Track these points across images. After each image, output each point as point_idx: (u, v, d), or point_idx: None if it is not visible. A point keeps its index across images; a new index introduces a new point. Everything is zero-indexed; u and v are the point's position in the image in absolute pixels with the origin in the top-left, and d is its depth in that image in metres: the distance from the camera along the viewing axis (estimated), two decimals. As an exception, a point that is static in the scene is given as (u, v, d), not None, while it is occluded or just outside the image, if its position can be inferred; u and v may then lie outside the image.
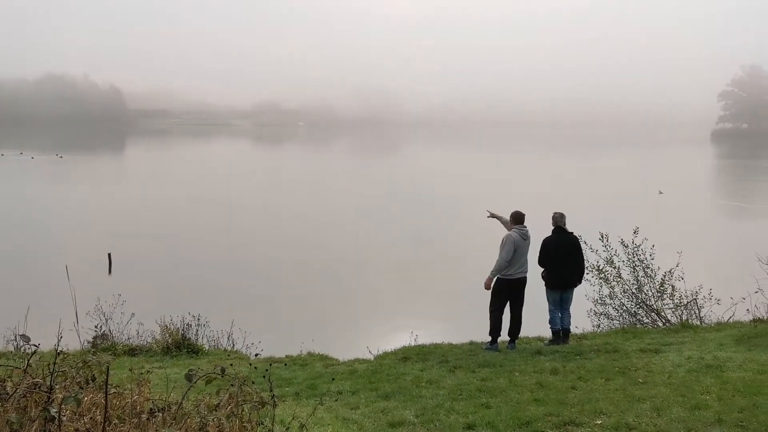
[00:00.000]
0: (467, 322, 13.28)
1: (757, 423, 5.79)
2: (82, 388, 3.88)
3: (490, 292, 9.98)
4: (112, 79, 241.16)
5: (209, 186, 54.81)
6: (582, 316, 12.30)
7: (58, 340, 5.65)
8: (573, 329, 10.78)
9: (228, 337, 11.98)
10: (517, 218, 9.96)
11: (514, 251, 9.72)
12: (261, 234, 32.94)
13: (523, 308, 10.14)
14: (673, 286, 12.53)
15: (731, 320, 11.63)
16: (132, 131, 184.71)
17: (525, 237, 9.85)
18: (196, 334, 11.35)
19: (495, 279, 9.89)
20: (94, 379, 4.13)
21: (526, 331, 10.47)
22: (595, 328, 12.46)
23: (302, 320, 17.49)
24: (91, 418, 3.65)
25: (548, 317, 10.37)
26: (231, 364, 4.03)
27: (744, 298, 11.62)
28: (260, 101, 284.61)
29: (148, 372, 6.85)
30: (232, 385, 4.00)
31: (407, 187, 54.96)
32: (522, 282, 9.92)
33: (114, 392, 4.04)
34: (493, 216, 10.77)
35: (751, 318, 11.29)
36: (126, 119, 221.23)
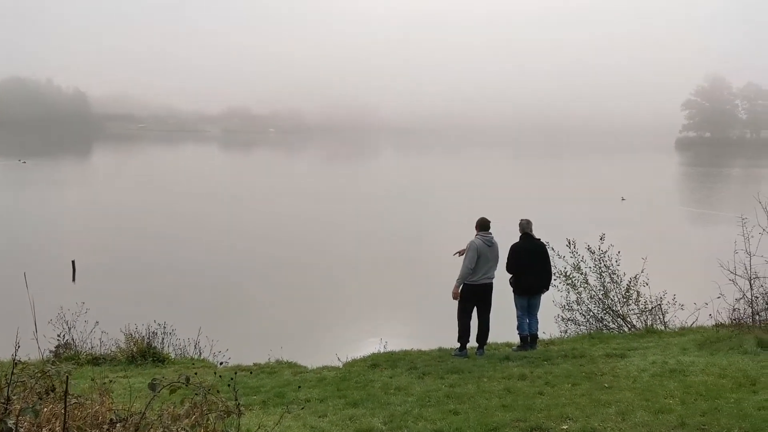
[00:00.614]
0: (436, 329, 13.30)
1: (719, 426, 5.90)
2: (41, 399, 3.79)
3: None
4: (76, 83, 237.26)
5: (176, 192, 54.19)
6: (550, 322, 12.42)
7: (16, 350, 5.50)
8: (541, 335, 10.86)
9: (195, 346, 11.81)
10: (482, 225, 10.02)
11: (477, 258, 9.77)
12: (229, 241, 32.63)
13: (492, 314, 10.18)
14: (638, 292, 12.74)
15: (694, 325, 11.85)
16: (97, 136, 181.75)
17: (489, 244, 9.88)
18: (162, 343, 11.16)
19: (464, 286, 9.92)
20: (53, 390, 4.03)
21: (494, 336, 10.52)
22: (563, 334, 12.57)
23: (271, 328, 17.37)
24: (50, 430, 3.56)
25: (516, 323, 10.45)
26: (195, 373, 3.97)
27: (707, 304, 11.83)
28: (229, 107, 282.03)
29: (112, 382, 6.70)
30: (196, 394, 3.94)
31: (377, 194, 55.01)
32: (487, 288, 9.94)
33: (75, 403, 3.95)
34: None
35: (713, 323, 11.50)
36: (91, 124, 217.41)
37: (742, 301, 10.85)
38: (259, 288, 23.31)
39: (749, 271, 10.71)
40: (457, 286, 9.92)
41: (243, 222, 38.94)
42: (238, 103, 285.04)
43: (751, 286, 10.71)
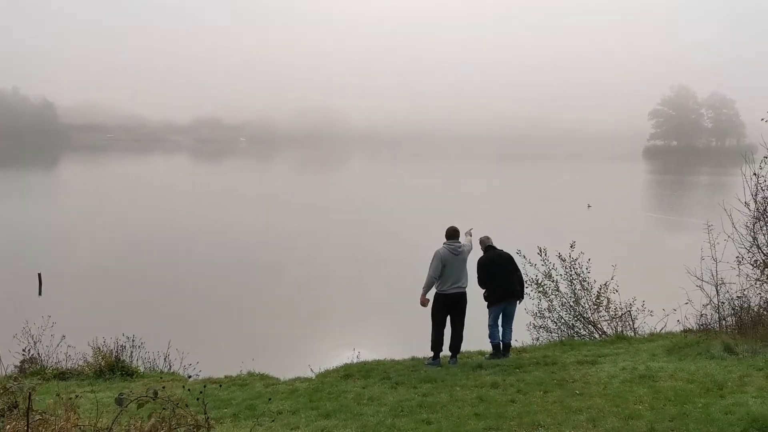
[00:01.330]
0: (410, 338, 13.30)
1: (687, 431, 5.97)
2: (3, 416, 3.69)
3: (430, 307, 10.03)
4: (43, 93, 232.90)
5: (145, 203, 53.54)
6: (522, 330, 12.49)
7: (-22, 366, 5.36)
8: (513, 343, 10.91)
9: (164, 359, 11.63)
10: (449, 234, 10.06)
11: (443, 266, 9.79)
12: (199, 252, 32.29)
13: (465, 322, 10.19)
14: (608, 299, 12.89)
15: (663, 331, 12.02)
16: (65, 146, 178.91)
17: (455, 252, 9.87)
18: (131, 356, 10.97)
19: (434, 294, 9.94)
20: (16, 406, 3.94)
21: (467, 345, 10.54)
22: (535, 341, 12.66)
23: (243, 340, 17.20)
24: (12, 448, 3.47)
25: (488, 332, 10.47)
26: (163, 387, 3.90)
27: (675, 309, 12.03)
28: (200, 116, 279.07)
29: (78, 397, 6.55)
30: (164, 408, 3.87)
31: (349, 203, 55.01)
32: (458, 297, 9.90)
33: (38, 419, 3.86)
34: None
35: (681, 328, 11.68)
36: (59, 134, 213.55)
37: (709, 306, 11.04)
38: (230, 299, 23.07)
39: (715, 278, 10.90)
40: (422, 294, 9.93)
41: (213, 233, 38.54)
42: (208, 112, 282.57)
43: (717, 292, 10.90)
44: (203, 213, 47.90)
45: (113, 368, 10.29)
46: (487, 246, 10.49)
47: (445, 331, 10.11)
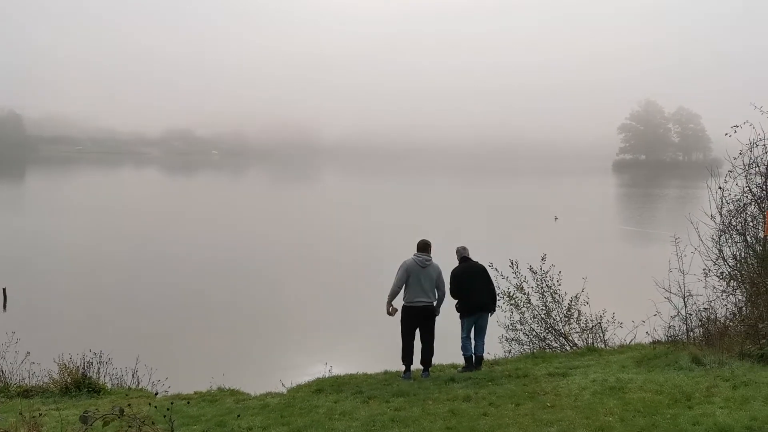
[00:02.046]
0: (382, 351, 13.26)
1: (657, 442, 6.03)
2: (-38, 437, 3.59)
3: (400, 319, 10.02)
4: (10, 104, 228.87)
5: (113, 217, 52.73)
6: (494, 342, 12.52)
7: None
8: (485, 355, 10.93)
9: (133, 375, 11.42)
10: (419, 246, 10.07)
11: (408, 277, 9.79)
12: (169, 265, 31.90)
13: (437, 335, 10.18)
14: (579, 311, 13.01)
15: (633, 342, 12.16)
16: (32, 159, 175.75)
17: (423, 265, 9.84)
18: (98, 373, 10.75)
19: (402, 306, 9.94)
20: (-25, 426, 3.83)
21: (439, 358, 10.54)
22: (507, 354, 12.71)
23: (213, 355, 16.97)
24: (-30, 470, 3.37)
25: (460, 344, 10.49)
26: (128, 405, 3.82)
27: (644, 321, 12.18)
28: (171, 128, 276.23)
29: (42, 415, 6.41)
30: (130, 426, 3.80)
31: (321, 217, 54.91)
32: (424, 310, 9.85)
33: (-1, 439, 3.75)
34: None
35: (650, 340, 11.83)
36: (26, 146, 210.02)
37: (677, 318, 11.20)
38: (200, 313, 22.78)
39: (683, 290, 11.06)
40: (387, 304, 9.93)
41: (183, 246, 38.09)
42: (179, 125, 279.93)
43: (685, 304, 11.06)
44: (173, 226, 47.36)
45: (79, 385, 10.07)
46: (462, 257, 10.52)
47: (417, 344, 10.10)
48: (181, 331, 20.32)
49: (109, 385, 10.69)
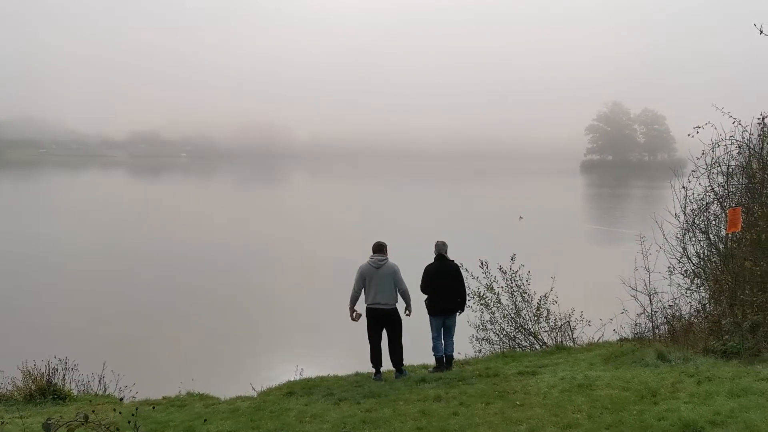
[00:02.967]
0: (353, 353, 13.24)
1: (624, 437, 6.12)
2: None
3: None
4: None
5: (78, 220, 51.83)
6: (465, 342, 12.60)
7: None
8: (456, 355, 10.99)
9: (99, 381, 11.23)
10: (374, 248, 10.12)
11: (364, 280, 9.84)
12: (135, 269, 31.41)
13: (407, 336, 10.20)
14: (548, 310, 13.16)
15: (600, 340, 12.35)
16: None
17: (377, 266, 9.89)
18: (64, 379, 10.55)
19: (365, 309, 9.95)
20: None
21: (410, 358, 10.57)
22: (477, 353, 12.80)
23: (181, 359, 16.77)
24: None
25: (431, 344, 10.53)
26: (94, 411, 3.75)
27: (611, 319, 12.38)
28: (137, 131, 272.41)
29: (5, 423, 6.27)
30: (95, 433, 3.73)
31: (290, 219, 54.61)
32: (384, 312, 9.88)
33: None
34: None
35: (617, 338, 12.02)
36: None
37: (643, 316, 11.39)
38: (168, 317, 22.49)
39: (648, 287, 11.26)
40: (349, 310, 10.00)
41: (149, 250, 37.54)
42: (146, 127, 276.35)
43: (650, 302, 11.26)
44: (138, 230, 46.68)
45: (44, 392, 9.88)
46: (439, 254, 10.54)
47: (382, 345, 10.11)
48: (149, 336, 20.03)
49: (75, 392, 10.49)
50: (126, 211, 60.84)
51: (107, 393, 10.90)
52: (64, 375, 10.67)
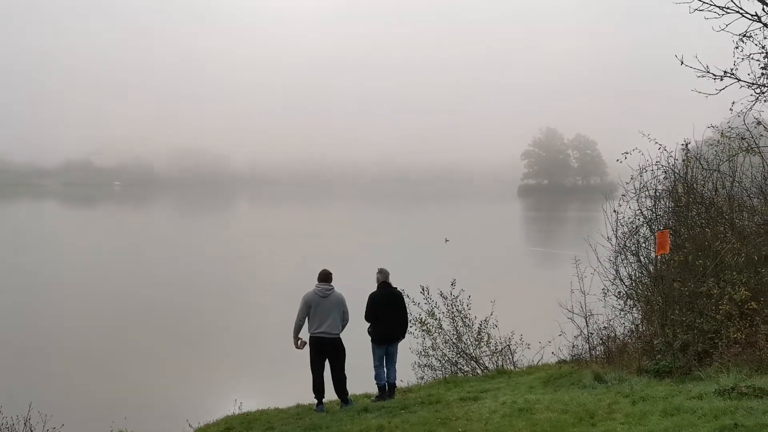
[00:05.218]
0: (294, 384, 13.00)
1: (563, 461, 6.17)
2: None
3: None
4: None
5: (4, 252, 49.51)
6: (407, 369, 12.58)
7: None
8: (399, 383, 10.94)
9: (25, 423, 10.62)
10: (320, 276, 10.06)
11: (309, 308, 9.76)
12: (62, 303, 30.04)
13: (349, 365, 10.09)
14: (489, 334, 13.31)
15: (540, 363, 12.54)
16: None
17: (323, 294, 9.83)
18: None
19: (308, 337, 9.83)
20: None
21: (352, 387, 10.45)
22: (420, 380, 12.79)
23: (114, 396, 16.06)
24: None
25: (374, 373, 10.45)
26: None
27: (549, 342, 12.59)
28: (69, 159, 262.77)
29: None
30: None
31: (226, 247, 53.67)
32: (328, 341, 9.79)
33: None
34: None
35: (556, 360, 12.21)
36: None
37: (580, 337, 11.63)
38: (98, 355, 21.50)
39: (584, 309, 11.50)
40: (293, 338, 9.87)
41: (77, 283, 36.04)
42: (78, 155, 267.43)
43: (587, 323, 11.50)
44: (66, 261, 44.94)
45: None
46: (382, 282, 10.51)
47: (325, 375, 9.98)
48: (79, 373, 19.11)
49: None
50: (56, 241, 58.58)
51: (34, 436, 10.33)
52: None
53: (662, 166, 11.48)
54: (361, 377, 10.95)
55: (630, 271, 11.84)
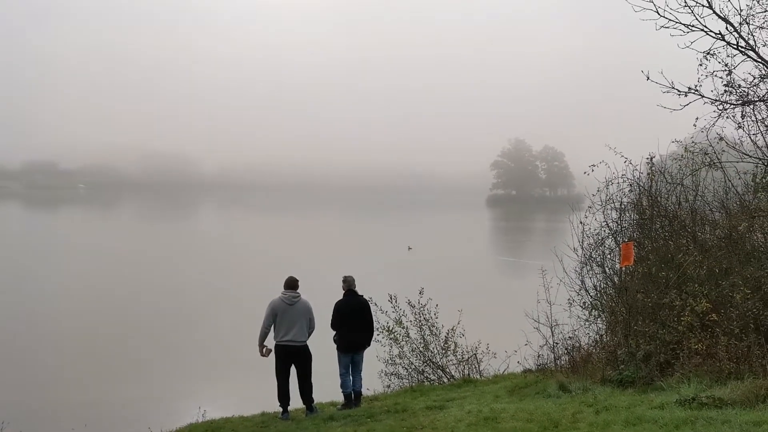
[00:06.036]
0: (258, 391, 12.86)
1: (528, 470, 6.20)
2: None
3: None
4: None
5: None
6: (374, 377, 12.55)
7: None
8: (365, 391, 10.91)
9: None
10: (287, 284, 10.02)
11: (275, 315, 9.70)
12: (20, 310, 29.22)
13: (315, 373, 10.03)
14: (455, 343, 13.37)
15: (506, 372, 12.61)
16: None
17: (290, 302, 9.78)
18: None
19: (274, 345, 9.76)
20: None
21: (318, 396, 10.38)
22: (386, 389, 12.76)
23: (74, 403, 15.68)
24: None
25: (339, 381, 10.40)
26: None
27: (516, 351, 12.69)
28: (32, 160, 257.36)
29: None
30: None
31: (192, 254, 53.01)
32: (294, 349, 9.74)
33: None
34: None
35: (521, 369, 12.30)
36: None
37: (545, 347, 11.72)
38: (61, 358, 21.08)
39: (550, 319, 11.61)
40: (258, 345, 9.81)
41: (41, 288, 35.18)
42: (41, 156, 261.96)
43: (552, 333, 11.60)
44: (29, 266, 43.88)
45: None
46: (348, 289, 10.47)
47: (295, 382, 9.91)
48: (38, 379, 18.64)
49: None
50: (14, 244, 57.20)
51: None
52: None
53: (628, 179, 11.68)
54: (326, 385, 10.88)
55: (595, 281, 11.99)
